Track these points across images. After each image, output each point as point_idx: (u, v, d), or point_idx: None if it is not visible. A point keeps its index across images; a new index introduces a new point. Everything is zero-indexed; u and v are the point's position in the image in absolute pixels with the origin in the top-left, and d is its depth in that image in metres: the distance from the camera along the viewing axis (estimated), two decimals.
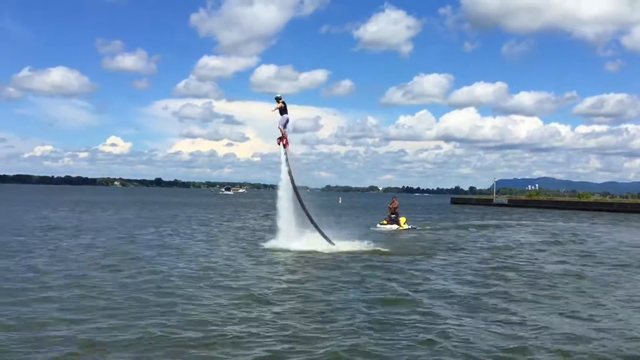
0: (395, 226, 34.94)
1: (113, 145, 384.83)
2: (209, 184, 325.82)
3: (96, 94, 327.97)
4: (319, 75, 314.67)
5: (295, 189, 23.83)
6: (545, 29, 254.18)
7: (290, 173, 24.04)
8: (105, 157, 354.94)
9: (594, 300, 14.08)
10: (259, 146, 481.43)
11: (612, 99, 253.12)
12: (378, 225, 35.79)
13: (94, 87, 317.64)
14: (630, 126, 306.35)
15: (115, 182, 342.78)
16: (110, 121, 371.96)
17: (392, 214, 35.77)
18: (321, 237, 23.29)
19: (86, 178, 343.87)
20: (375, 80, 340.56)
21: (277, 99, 24.41)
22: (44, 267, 17.04)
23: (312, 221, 23.44)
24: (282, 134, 24.53)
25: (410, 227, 36.37)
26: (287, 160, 24.27)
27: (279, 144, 24.76)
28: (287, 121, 24.62)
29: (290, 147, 24.66)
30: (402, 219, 36.19)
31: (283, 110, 24.42)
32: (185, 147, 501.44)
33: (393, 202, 36.64)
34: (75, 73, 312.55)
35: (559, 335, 10.71)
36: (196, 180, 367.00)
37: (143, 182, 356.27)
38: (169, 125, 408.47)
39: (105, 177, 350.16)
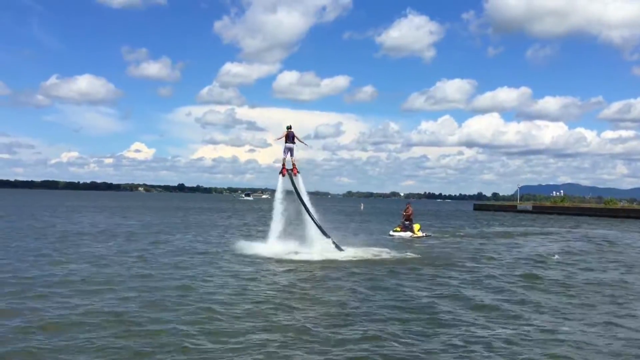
0: (409, 233, 34.34)
1: (137, 151, 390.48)
2: (231, 190, 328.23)
3: (121, 101, 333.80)
4: (341, 81, 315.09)
5: (307, 211, 24.15)
6: (570, 33, 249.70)
7: (300, 198, 24.32)
8: (130, 163, 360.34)
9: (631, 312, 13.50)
10: (281, 152, 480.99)
11: (639, 104, 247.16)
12: (391, 232, 35.29)
13: (119, 94, 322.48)
14: None
15: (140, 188, 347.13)
16: (135, 127, 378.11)
17: (407, 220, 35.26)
18: (331, 244, 23.60)
19: (111, 184, 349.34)
20: (397, 85, 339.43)
21: (288, 128, 24.83)
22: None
23: (322, 231, 23.89)
24: (283, 164, 24.82)
25: (424, 234, 35.47)
26: (295, 188, 24.47)
27: (283, 175, 24.85)
28: (291, 150, 24.70)
29: (298, 172, 24.85)
30: (417, 226, 35.36)
31: (289, 139, 24.67)
32: (207, 153, 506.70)
33: (407, 208, 35.94)
34: (101, 80, 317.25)
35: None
36: (218, 186, 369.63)
37: (166, 188, 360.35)
38: (192, 132, 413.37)
39: (130, 182, 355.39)
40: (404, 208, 36.90)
